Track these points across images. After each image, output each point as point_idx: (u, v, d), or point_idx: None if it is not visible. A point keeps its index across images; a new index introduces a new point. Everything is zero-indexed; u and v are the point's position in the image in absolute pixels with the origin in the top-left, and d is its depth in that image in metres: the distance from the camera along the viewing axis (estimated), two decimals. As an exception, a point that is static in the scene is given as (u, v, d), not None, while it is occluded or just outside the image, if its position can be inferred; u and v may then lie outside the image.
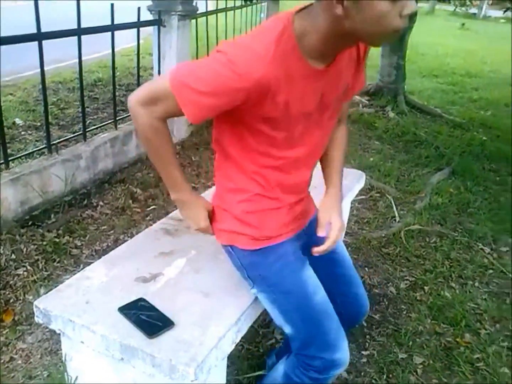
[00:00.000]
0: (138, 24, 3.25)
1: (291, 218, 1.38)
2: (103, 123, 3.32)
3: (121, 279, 1.50)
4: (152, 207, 3.03)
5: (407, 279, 2.58)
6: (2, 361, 1.83)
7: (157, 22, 3.44)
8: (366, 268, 2.64)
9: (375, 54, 8.74)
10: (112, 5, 2.95)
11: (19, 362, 1.84)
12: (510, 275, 2.66)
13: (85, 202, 2.94)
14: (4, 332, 1.95)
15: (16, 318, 2.03)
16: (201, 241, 1.71)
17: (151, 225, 2.82)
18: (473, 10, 23.97)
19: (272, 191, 1.31)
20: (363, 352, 2.08)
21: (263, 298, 1.39)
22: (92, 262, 2.43)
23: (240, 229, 1.34)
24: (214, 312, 1.37)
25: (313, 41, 1.08)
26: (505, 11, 5.29)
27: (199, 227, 1.40)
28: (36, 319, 1.41)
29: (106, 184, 3.15)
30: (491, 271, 2.70)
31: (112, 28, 3.01)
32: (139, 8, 3.21)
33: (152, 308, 1.36)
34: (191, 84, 1.07)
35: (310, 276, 1.37)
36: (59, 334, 1.41)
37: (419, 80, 7.54)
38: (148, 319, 1.32)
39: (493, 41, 13.36)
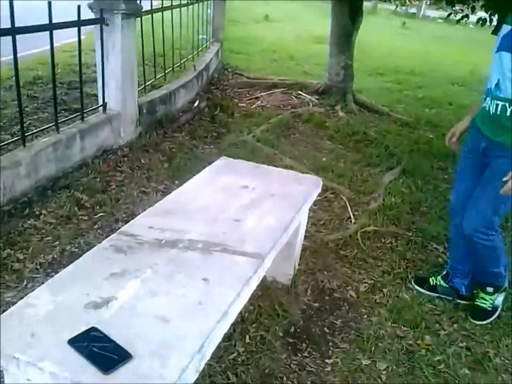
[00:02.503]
0: (79, 23, 3.04)
1: None
2: (43, 127, 3.09)
3: (69, 306, 1.36)
4: (100, 214, 2.86)
5: (366, 282, 2.57)
6: None
7: (99, 21, 3.24)
8: (325, 272, 2.60)
9: (322, 53, 8.89)
10: (49, 3, 2.75)
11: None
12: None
13: (27, 211, 2.72)
14: None
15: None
16: (156, 259, 1.60)
17: (99, 233, 2.71)
18: (413, 10, 24.78)
19: None
20: (327, 361, 2.04)
21: None
22: (36, 277, 2.29)
23: None
24: (175, 339, 1.26)
25: None
26: (448, 16, 5.43)
27: None
28: (-28, 356, 1.25)
29: (49, 191, 2.94)
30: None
31: (51, 27, 2.80)
32: (79, 6, 3.01)
33: (106, 338, 1.23)
34: None
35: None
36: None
37: (365, 79, 7.64)
38: (102, 351, 1.19)
39: (433, 40, 13.83)
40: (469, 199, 2.20)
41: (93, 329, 1.26)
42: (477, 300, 2.38)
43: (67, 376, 1.14)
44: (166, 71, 4.85)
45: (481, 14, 5.19)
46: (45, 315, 1.33)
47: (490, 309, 2.35)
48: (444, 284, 2.49)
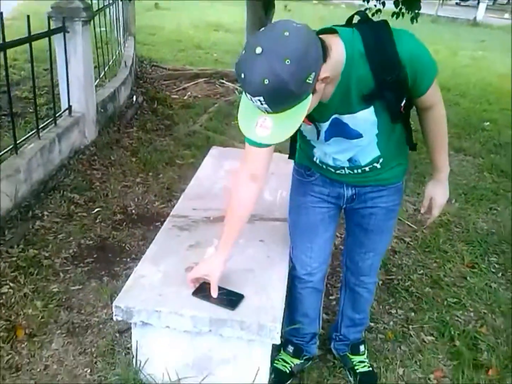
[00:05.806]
0: (50, 33, 3.23)
1: None
2: (29, 134, 3.22)
3: (173, 272, 1.75)
4: (96, 210, 3.12)
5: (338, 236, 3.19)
6: (38, 370, 1.92)
7: (63, 29, 3.42)
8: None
9: (225, 40, 9.08)
10: (28, 16, 2.92)
11: (55, 367, 1.94)
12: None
13: (30, 214, 2.91)
14: (23, 346, 2.01)
15: (27, 331, 2.08)
16: (215, 231, 2.02)
17: (105, 226, 3.00)
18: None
19: None
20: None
21: None
22: (68, 269, 2.56)
23: None
24: (266, 282, 1.73)
25: None
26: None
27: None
28: (115, 317, 1.61)
29: (42, 193, 3.12)
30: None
31: (30, 39, 2.98)
32: (49, 18, 3.19)
33: (219, 287, 1.65)
34: None
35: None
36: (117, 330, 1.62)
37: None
38: (222, 296, 1.62)
39: (319, 22, 14.90)
40: (357, 247, 1.86)
41: (205, 283, 1.67)
42: (356, 366, 2.03)
43: (206, 315, 1.56)
44: (105, 69, 5.01)
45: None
46: (159, 281, 1.71)
47: (371, 369, 2.05)
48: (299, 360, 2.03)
